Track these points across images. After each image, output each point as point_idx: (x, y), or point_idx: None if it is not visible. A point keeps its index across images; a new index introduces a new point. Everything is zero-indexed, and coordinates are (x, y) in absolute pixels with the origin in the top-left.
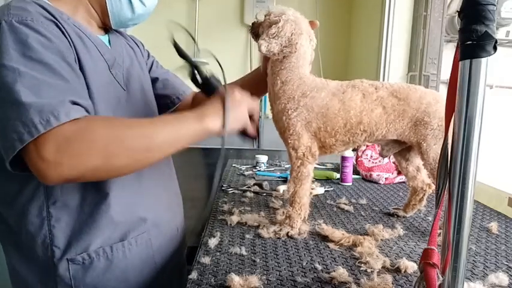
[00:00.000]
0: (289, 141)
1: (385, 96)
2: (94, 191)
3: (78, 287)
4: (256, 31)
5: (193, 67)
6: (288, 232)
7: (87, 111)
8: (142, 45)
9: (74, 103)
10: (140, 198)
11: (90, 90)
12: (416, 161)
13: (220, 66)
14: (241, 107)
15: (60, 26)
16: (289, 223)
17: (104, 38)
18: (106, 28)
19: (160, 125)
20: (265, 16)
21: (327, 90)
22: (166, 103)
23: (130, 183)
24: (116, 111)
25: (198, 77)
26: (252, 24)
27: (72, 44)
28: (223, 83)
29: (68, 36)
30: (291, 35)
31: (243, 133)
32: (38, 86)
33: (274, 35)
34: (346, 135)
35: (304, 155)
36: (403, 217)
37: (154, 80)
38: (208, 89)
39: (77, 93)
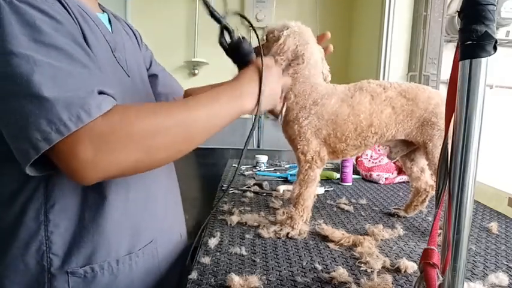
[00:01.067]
0: (299, 147)
1: (394, 96)
2: (96, 195)
3: None
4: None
5: (223, 27)
6: (288, 233)
7: (114, 99)
8: (140, 37)
9: (101, 92)
10: (146, 204)
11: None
12: (421, 161)
13: (255, 31)
14: (276, 83)
15: (64, 3)
16: (291, 224)
17: (103, 17)
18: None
19: (199, 109)
20: (267, 36)
21: (336, 96)
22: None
23: (135, 187)
24: (123, 99)
25: (227, 38)
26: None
27: (78, 24)
28: (257, 51)
29: (72, 15)
30: (296, 47)
31: (271, 111)
32: (59, 75)
33: (278, 52)
34: (357, 139)
35: (312, 158)
36: (403, 217)
37: (154, 76)
38: (238, 54)
39: (100, 80)
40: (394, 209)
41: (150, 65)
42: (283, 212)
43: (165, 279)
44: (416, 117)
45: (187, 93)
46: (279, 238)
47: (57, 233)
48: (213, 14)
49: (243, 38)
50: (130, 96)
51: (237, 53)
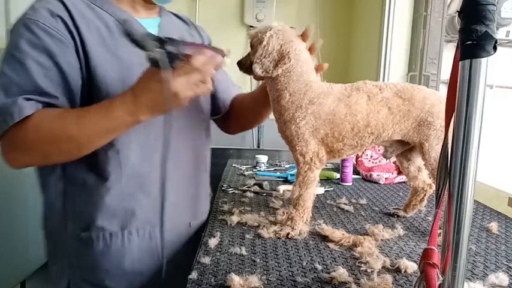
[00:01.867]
0: (297, 148)
1: (390, 96)
2: (96, 176)
3: (80, 261)
4: (246, 64)
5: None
6: (288, 233)
7: (49, 105)
8: (207, 36)
9: (29, 99)
10: (145, 189)
11: (96, 74)
12: (418, 161)
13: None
14: (177, 82)
15: (68, 20)
16: (291, 224)
17: (153, 21)
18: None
19: (88, 123)
20: (251, 41)
21: (333, 96)
22: (218, 105)
23: (133, 173)
24: None
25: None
26: (239, 62)
27: (81, 39)
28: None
29: (74, 30)
30: (280, 47)
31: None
32: (9, 86)
33: (263, 55)
34: (354, 139)
35: (311, 159)
36: (403, 217)
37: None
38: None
39: (39, 90)
40: (394, 209)
41: None
42: (283, 212)
43: (168, 263)
44: (413, 117)
45: (235, 99)
46: (279, 238)
47: (71, 201)
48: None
49: (146, 35)
50: None
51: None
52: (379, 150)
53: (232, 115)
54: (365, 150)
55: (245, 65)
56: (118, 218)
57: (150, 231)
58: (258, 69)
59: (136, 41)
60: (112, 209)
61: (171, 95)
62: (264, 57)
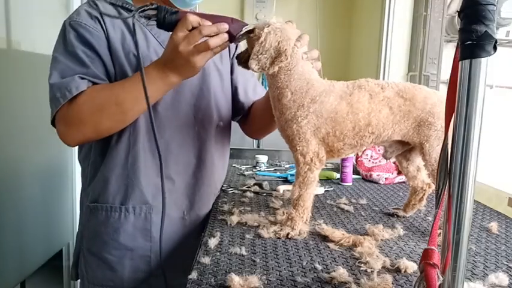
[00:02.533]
0: (298, 148)
1: (392, 96)
2: (109, 156)
3: (87, 227)
4: (244, 58)
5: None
6: (288, 233)
7: (93, 83)
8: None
9: (83, 78)
10: (146, 170)
11: (119, 69)
12: (417, 160)
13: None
14: (177, 54)
15: (102, 21)
16: (291, 225)
17: None
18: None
19: (130, 87)
20: (249, 35)
21: (335, 94)
22: (236, 107)
23: (139, 156)
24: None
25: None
26: (237, 56)
27: (107, 36)
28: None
29: (105, 29)
30: (278, 44)
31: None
32: (65, 71)
33: (260, 51)
34: (354, 138)
35: (312, 160)
36: (403, 217)
37: (235, 87)
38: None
39: (92, 74)
40: (393, 209)
41: (232, 73)
42: (283, 212)
43: (156, 246)
44: (413, 117)
45: (253, 107)
46: (279, 238)
47: (90, 178)
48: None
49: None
50: (175, 91)
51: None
52: (379, 150)
53: (250, 119)
54: (364, 150)
55: (243, 60)
56: (119, 195)
57: (146, 213)
58: (254, 65)
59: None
60: (116, 185)
61: (175, 47)
62: (261, 53)
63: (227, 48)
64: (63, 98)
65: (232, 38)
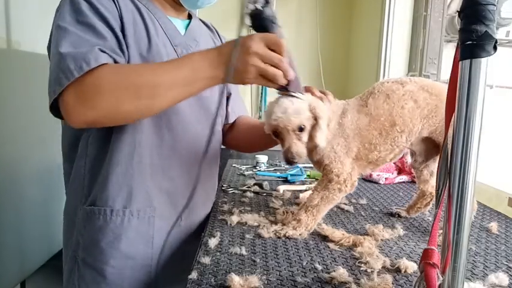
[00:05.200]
0: (334, 170)
1: (415, 90)
2: (111, 151)
3: (82, 235)
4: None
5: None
6: (286, 232)
7: (115, 61)
8: None
9: (103, 51)
10: (151, 171)
11: (129, 53)
12: (433, 165)
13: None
14: (244, 61)
15: (116, 2)
16: (295, 225)
17: (181, 22)
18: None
19: (169, 70)
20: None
21: (351, 110)
22: (226, 116)
23: (144, 153)
24: None
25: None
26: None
27: (120, 16)
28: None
29: (118, 7)
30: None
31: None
32: (78, 41)
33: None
34: (386, 142)
35: (345, 181)
36: (404, 217)
37: (229, 93)
38: (258, 23)
39: (110, 47)
40: (396, 208)
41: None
42: (283, 212)
43: (157, 253)
44: (441, 113)
45: (240, 121)
46: (279, 238)
47: (87, 177)
48: None
49: (265, 6)
50: None
51: (258, 21)
52: (411, 163)
53: (233, 131)
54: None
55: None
56: (122, 196)
57: (149, 216)
58: (324, 142)
59: None
60: (118, 185)
61: (248, 49)
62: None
63: None
64: (78, 71)
65: (282, 87)
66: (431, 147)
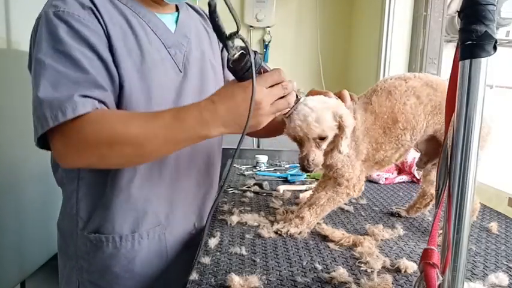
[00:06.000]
0: (345, 174)
1: (418, 86)
2: (111, 176)
3: (88, 261)
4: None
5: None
6: (288, 230)
7: (101, 101)
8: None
9: (85, 96)
10: (155, 190)
11: (122, 69)
12: None
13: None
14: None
15: (97, 13)
16: (297, 223)
17: (171, 17)
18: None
19: (157, 130)
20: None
21: (358, 110)
22: None
23: (144, 174)
24: (165, 91)
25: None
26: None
27: (106, 32)
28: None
29: (102, 23)
30: (339, 117)
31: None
32: (57, 79)
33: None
34: (390, 141)
35: (354, 186)
36: (404, 217)
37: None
38: (237, 71)
39: (92, 81)
40: (396, 208)
41: (224, 68)
42: (283, 212)
43: (173, 265)
44: None
45: None
46: (280, 235)
47: (84, 201)
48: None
49: (243, 53)
50: (175, 88)
51: (241, 73)
52: (416, 162)
53: None
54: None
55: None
56: (129, 221)
57: (159, 234)
58: (346, 149)
59: (224, 33)
60: (123, 211)
61: (254, 103)
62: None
63: (217, 41)
64: (53, 120)
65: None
66: (436, 146)
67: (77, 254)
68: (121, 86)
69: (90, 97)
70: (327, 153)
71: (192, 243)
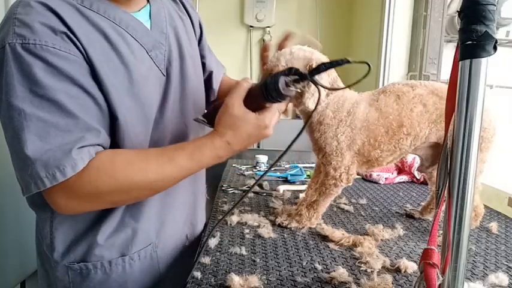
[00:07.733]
0: (333, 162)
1: (425, 94)
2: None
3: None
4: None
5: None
6: (289, 224)
7: (100, 144)
8: (199, 22)
9: (82, 147)
10: (144, 209)
11: (111, 95)
12: None
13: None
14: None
15: (72, 36)
16: (298, 220)
17: (144, 13)
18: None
19: (175, 173)
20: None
21: (364, 102)
22: (207, 89)
23: None
24: (154, 100)
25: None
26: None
27: (86, 57)
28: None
29: (81, 48)
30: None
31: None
32: (44, 130)
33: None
34: (390, 143)
35: (341, 176)
36: (405, 218)
37: (209, 72)
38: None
39: (86, 128)
40: (410, 209)
41: (203, 57)
42: (282, 211)
43: (166, 279)
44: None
45: (223, 83)
46: (282, 228)
47: (61, 230)
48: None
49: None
50: (160, 93)
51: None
52: (418, 166)
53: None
54: (406, 155)
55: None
56: (118, 245)
57: (151, 252)
58: (311, 105)
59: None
60: (111, 234)
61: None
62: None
63: (192, 29)
64: (50, 180)
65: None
66: (439, 152)
67: (61, 284)
68: (115, 117)
69: (86, 145)
70: (323, 141)
71: (186, 254)
